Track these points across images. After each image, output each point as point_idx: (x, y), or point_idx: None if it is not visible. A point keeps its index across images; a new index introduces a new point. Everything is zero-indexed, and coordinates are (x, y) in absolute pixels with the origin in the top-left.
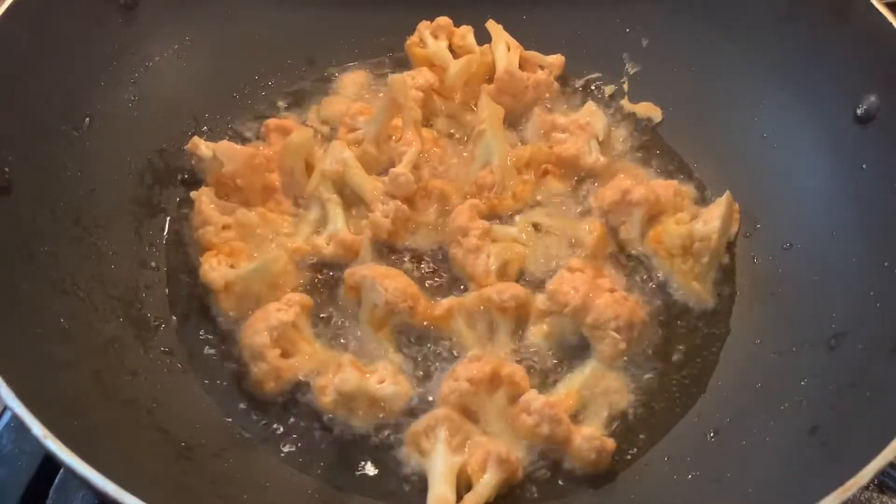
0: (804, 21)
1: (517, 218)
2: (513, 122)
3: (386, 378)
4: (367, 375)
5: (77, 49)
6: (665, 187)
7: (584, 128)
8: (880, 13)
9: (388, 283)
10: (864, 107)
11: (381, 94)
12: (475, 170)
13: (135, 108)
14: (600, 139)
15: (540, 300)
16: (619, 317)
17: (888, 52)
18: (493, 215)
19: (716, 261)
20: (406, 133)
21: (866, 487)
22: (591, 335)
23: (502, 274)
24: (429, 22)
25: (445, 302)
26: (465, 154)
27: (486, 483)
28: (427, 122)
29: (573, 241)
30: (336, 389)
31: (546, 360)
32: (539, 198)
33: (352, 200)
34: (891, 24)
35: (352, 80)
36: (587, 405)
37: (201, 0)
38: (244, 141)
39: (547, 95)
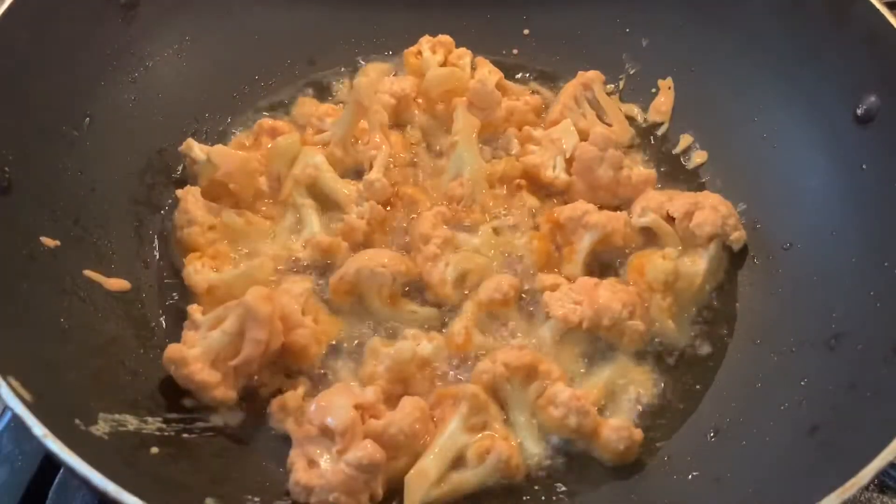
0: (804, 21)
1: (481, 228)
2: (486, 138)
3: (420, 339)
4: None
5: (77, 49)
6: (616, 219)
7: (554, 142)
8: (880, 13)
9: (381, 259)
10: (864, 107)
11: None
12: (446, 181)
13: (135, 108)
14: (567, 156)
15: (547, 330)
16: (626, 304)
17: (888, 52)
18: (459, 226)
19: (697, 302)
20: (373, 136)
21: (866, 487)
22: (610, 335)
23: (460, 284)
24: (431, 37)
25: (457, 326)
26: (433, 165)
27: (474, 476)
28: (398, 127)
29: (520, 254)
30: (394, 361)
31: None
32: (507, 212)
33: (326, 205)
34: (891, 24)
35: (376, 69)
36: (613, 398)
37: (201, 0)
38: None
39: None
